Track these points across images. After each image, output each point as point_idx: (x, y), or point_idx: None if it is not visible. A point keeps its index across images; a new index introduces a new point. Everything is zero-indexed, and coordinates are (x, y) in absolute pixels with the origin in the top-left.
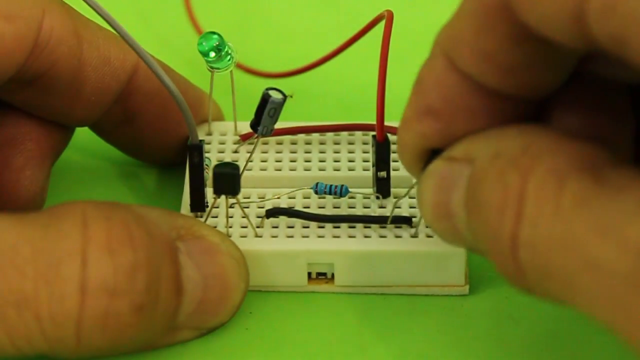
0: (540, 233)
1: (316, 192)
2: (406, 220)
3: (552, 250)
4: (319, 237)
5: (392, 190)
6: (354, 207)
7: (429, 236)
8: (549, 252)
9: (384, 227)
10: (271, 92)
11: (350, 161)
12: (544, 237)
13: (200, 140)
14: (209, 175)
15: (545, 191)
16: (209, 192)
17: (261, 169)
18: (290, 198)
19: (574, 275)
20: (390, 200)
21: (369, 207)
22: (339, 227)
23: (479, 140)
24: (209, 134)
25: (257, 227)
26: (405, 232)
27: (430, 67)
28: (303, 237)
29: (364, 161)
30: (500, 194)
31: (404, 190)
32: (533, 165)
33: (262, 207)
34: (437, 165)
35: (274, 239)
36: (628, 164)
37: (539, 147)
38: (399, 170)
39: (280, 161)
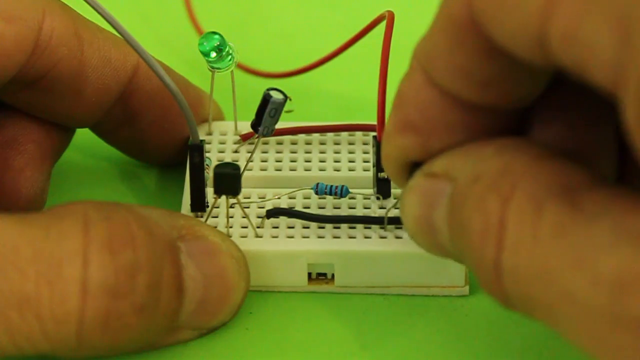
0: (520, 262)
1: (316, 193)
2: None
3: (533, 280)
4: (319, 237)
5: (393, 191)
6: (354, 208)
7: None
8: (529, 281)
9: (384, 228)
10: (272, 93)
11: (350, 161)
12: (524, 266)
13: (201, 140)
14: (209, 175)
15: (523, 219)
16: (210, 192)
17: (261, 169)
18: (290, 198)
19: (553, 305)
20: (391, 201)
21: (369, 208)
22: (339, 227)
23: (458, 157)
24: (210, 133)
25: (258, 227)
26: (405, 232)
27: (408, 81)
28: (303, 237)
29: (365, 162)
30: (481, 219)
31: None
32: (512, 191)
33: (263, 207)
34: (418, 180)
35: (274, 239)
36: (605, 183)
37: (517, 169)
38: None
39: (280, 161)
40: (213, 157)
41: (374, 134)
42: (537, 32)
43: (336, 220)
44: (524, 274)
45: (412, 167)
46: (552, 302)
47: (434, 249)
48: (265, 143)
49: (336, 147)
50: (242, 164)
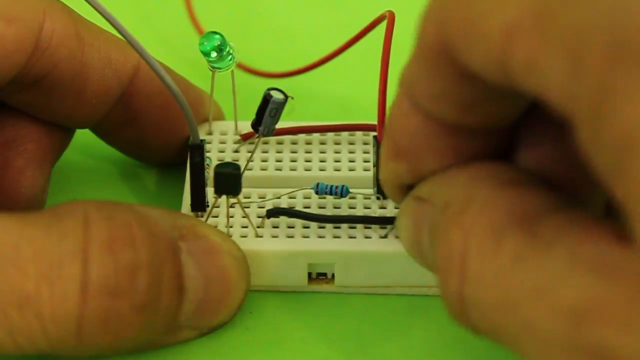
0: (483, 294)
1: (317, 192)
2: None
3: (496, 311)
4: (320, 237)
5: None
6: (354, 208)
7: None
8: (493, 312)
9: (385, 228)
10: (272, 92)
11: (350, 161)
12: (487, 298)
13: (201, 140)
14: (209, 175)
15: (484, 251)
16: (210, 192)
17: (262, 169)
18: (290, 198)
19: (516, 336)
20: (391, 202)
21: (369, 208)
22: (339, 227)
23: (439, 183)
24: (210, 133)
25: (258, 227)
26: None
27: (396, 107)
28: (303, 237)
29: (365, 161)
30: (445, 251)
31: None
32: (473, 222)
33: (263, 207)
34: (409, 203)
35: (274, 239)
36: (567, 208)
37: (480, 199)
38: None
39: (280, 161)
40: (213, 156)
41: (374, 134)
42: (500, 61)
43: (336, 220)
44: (488, 305)
45: (408, 188)
46: (514, 332)
47: (428, 269)
48: (266, 143)
49: (336, 147)
50: (242, 163)
